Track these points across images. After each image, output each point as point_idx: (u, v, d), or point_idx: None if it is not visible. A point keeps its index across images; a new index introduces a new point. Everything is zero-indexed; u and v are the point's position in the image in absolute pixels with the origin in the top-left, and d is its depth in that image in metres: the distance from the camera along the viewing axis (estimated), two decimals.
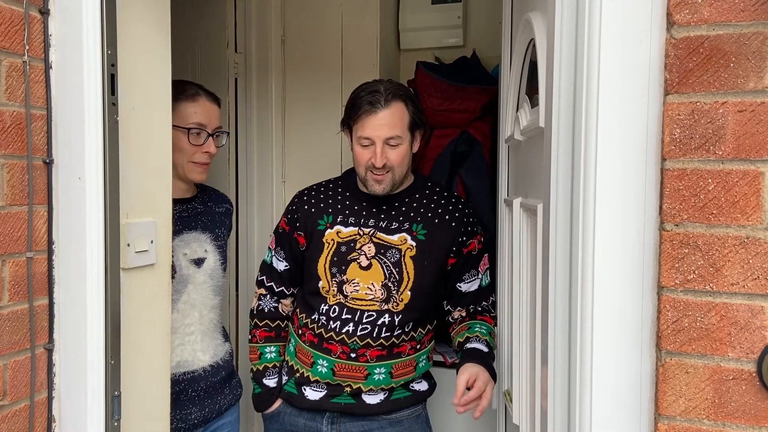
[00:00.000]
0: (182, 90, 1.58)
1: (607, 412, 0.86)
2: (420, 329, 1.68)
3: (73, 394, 1.16)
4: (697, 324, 0.80)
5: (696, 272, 0.80)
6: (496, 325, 1.74)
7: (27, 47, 1.06)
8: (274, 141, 2.37)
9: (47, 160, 1.11)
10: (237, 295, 2.38)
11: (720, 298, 0.79)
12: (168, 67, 1.34)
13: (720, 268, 0.79)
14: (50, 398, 1.14)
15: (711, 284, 0.80)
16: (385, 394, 1.66)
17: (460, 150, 2.06)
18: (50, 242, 1.13)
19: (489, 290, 1.76)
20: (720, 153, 0.79)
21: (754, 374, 0.77)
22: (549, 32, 1.06)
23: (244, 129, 2.38)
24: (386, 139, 1.57)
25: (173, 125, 1.46)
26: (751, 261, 0.77)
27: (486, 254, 1.75)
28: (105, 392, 1.17)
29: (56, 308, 1.14)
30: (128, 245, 1.24)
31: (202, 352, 1.70)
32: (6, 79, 1.03)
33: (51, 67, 1.11)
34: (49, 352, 1.13)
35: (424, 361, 1.73)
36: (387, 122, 1.57)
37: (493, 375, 1.58)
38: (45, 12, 1.10)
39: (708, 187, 0.79)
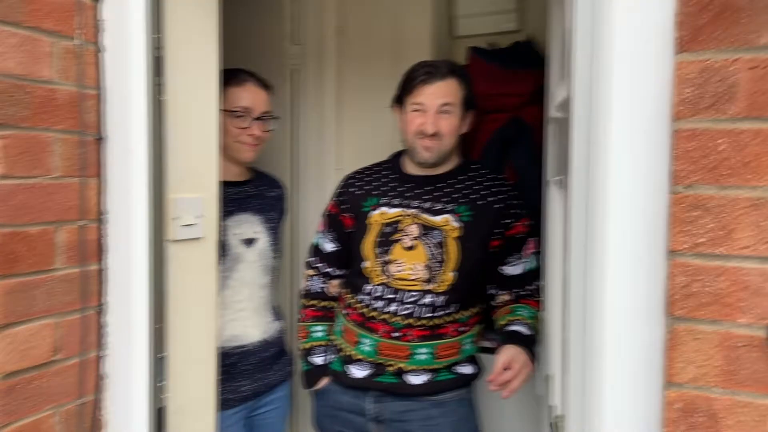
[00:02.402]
0: (233, 76, 1.66)
1: (617, 380, 0.84)
2: (464, 311, 1.68)
3: (122, 355, 1.25)
4: (707, 289, 0.77)
5: (706, 235, 0.77)
6: (542, 309, 1.71)
7: (80, 31, 1.15)
8: (329, 130, 2.43)
9: (98, 137, 1.20)
10: (293, 278, 2.46)
11: (731, 262, 0.76)
12: (215, 52, 1.41)
13: (731, 231, 0.76)
14: (100, 357, 1.23)
15: (722, 248, 0.76)
16: (429, 375, 1.67)
17: (509, 134, 2.04)
18: (101, 212, 1.22)
19: (535, 274, 1.73)
20: (732, 112, 0.76)
21: (765, 340, 0.74)
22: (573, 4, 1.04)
23: (301, 119, 2.46)
24: (439, 105, 1.61)
25: (222, 109, 1.55)
26: (763, 223, 0.74)
27: (533, 238, 1.73)
28: (149, 354, 1.26)
29: (106, 274, 1.24)
30: (175, 219, 1.32)
31: (253, 328, 1.77)
32: (61, 60, 1.13)
33: (103, 50, 1.21)
34: (99, 314, 1.23)
35: (469, 344, 1.73)
36: (441, 91, 1.61)
37: (534, 358, 1.56)
38: None
39: (719, 148, 0.76)
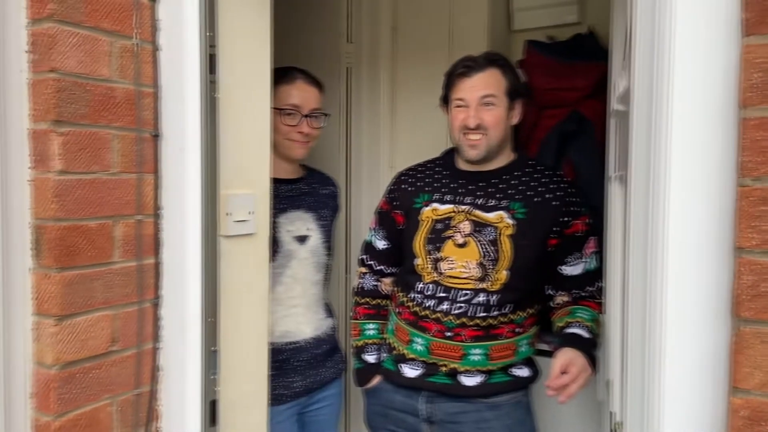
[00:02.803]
0: (284, 74, 1.68)
1: (678, 385, 0.79)
2: (519, 312, 1.64)
3: (177, 347, 1.28)
4: None
5: None
6: (602, 312, 1.64)
7: (137, 30, 1.18)
8: (383, 128, 2.43)
9: (154, 134, 1.23)
10: (347, 275, 2.46)
11: None
12: (267, 50, 1.42)
13: None
14: (156, 348, 1.26)
15: None
16: (483, 376, 1.63)
17: (568, 129, 1.97)
18: (157, 207, 1.25)
19: (595, 275, 1.67)
20: None
21: None
22: None
23: (355, 117, 2.46)
24: (480, 97, 1.58)
25: (272, 107, 1.56)
26: None
27: (593, 237, 1.66)
28: (202, 347, 1.28)
29: (163, 267, 1.27)
30: (227, 214, 1.34)
31: (305, 325, 1.78)
32: (119, 59, 1.16)
33: (159, 48, 1.23)
34: (155, 306, 1.26)
35: (525, 346, 1.68)
36: (480, 83, 1.59)
37: (594, 363, 1.50)
38: None
39: None
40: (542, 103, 1.97)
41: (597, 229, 1.68)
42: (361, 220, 2.42)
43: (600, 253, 1.68)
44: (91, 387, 1.15)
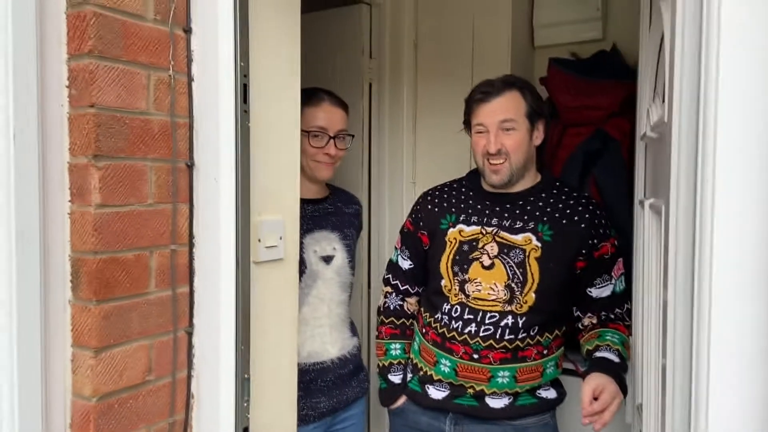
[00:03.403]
0: (310, 96, 1.68)
1: (724, 428, 0.78)
2: (547, 334, 1.63)
3: (209, 375, 1.28)
4: None
5: None
6: (630, 334, 1.64)
7: (172, 63, 1.19)
8: (405, 144, 2.43)
9: (189, 164, 1.24)
10: (369, 293, 2.46)
11: None
12: (297, 77, 1.43)
13: None
14: (189, 377, 1.27)
15: None
16: (509, 398, 1.63)
17: (593, 148, 1.96)
18: (191, 236, 1.26)
19: (624, 297, 1.66)
20: None
21: None
22: (672, 20, 0.99)
23: (377, 132, 2.46)
24: (500, 122, 1.58)
25: None
26: None
27: (620, 259, 1.66)
28: (235, 375, 1.28)
29: (196, 296, 1.27)
30: (259, 240, 1.34)
31: (331, 345, 1.78)
32: (154, 91, 1.17)
33: (193, 79, 1.24)
34: (189, 335, 1.26)
35: (552, 368, 1.68)
36: (499, 107, 1.58)
37: (624, 388, 1.49)
38: (188, 30, 1.23)
39: None
40: (566, 121, 1.97)
41: (624, 250, 1.68)
42: (383, 237, 2.42)
43: (626, 274, 1.67)
44: (128, 417, 1.15)
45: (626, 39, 2.12)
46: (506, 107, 1.58)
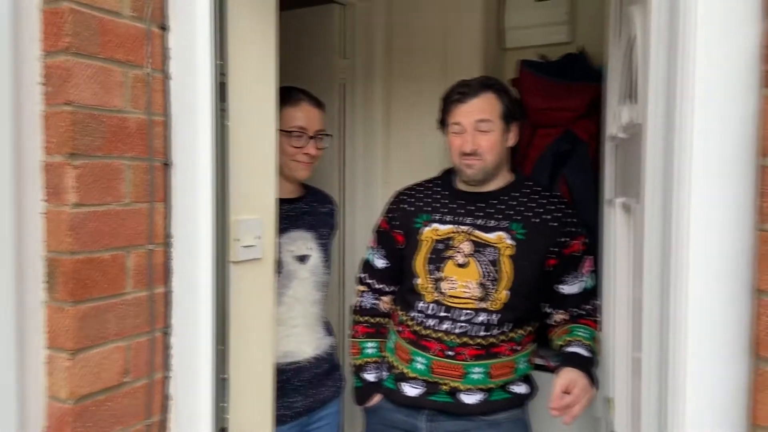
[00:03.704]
0: (287, 96, 1.68)
1: (700, 422, 0.82)
2: (519, 330, 1.66)
3: (187, 376, 1.27)
4: None
5: None
6: (600, 329, 1.68)
7: (149, 60, 1.18)
8: (378, 143, 2.44)
9: (166, 162, 1.23)
10: (342, 292, 2.47)
11: None
12: (274, 76, 1.43)
13: None
14: (166, 378, 1.25)
15: None
16: (483, 394, 1.65)
17: (562, 149, 2.01)
18: (168, 236, 1.25)
19: (592, 293, 1.71)
20: None
21: None
22: (646, 25, 1.02)
23: (350, 132, 2.47)
24: (476, 122, 1.61)
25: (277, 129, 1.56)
26: None
27: (590, 256, 1.70)
28: (213, 376, 1.27)
29: (173, 296, 1.26)
30: (236, 240, 1.34)
31: (306, 344, 1.78)
32: (131, 89, 1.16)
33: (170, 77, 1.23)
34: (166, 336, 1.25)
35: (523, 364, 1.71)
36: (476, 108, 1.62)
37: (594, 382, 1.53)
38: (165, 27, 1.21)
39: None
40: (536, 122, 2.01)
41: (592, 248, 1.72)
42: (356, 236, 2.43)
43: (595, 271, 1.72)
44: (105, 419, 1.14)
45: (593, 42, 2.18)
46: (482, 108, 1.61)
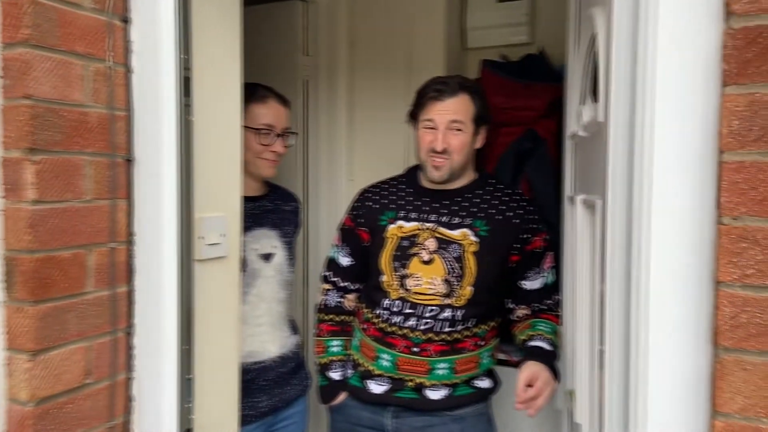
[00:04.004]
0: (253, 92, 1.66)
1: (663, 408, 0.85)
2: (482, 325, 1.69)
3: (150, 376, 1.25)
4: (756, 320, 0.78)
5: (755, 267, 0.78)
6: (561, 324, 1.72)
7: (110, 53, 1.15)
8: (341, 141, 2.43)
9: (128, 158, 1.20)
10: (306, 290, 2.46)
11: None
12: (239, 71, 1.41)
13: None
14: (129, 379, 1.23)
15: None
16: (448, 389, 1.67)
17: (524, 148, 2.05)
18: (131, 234, 1.22)
19: (553, 288, 1.74)
20: None
21: None
22: (608, 26, 1.05)
23: (313, 130, 2.46)
24: (449, 122, 1.62)
25: (244, 126, 1.54)
26: None
27: (550, 252, 1.74)
28: (178, 376, 1.25)
29: (136, 295, 1.23)
30: (201, 238, 1.32)
31: (271, 343, 1.77)
32: (92, 83, 1.13)
33: (132, 71, 1.20)
34: (129, 336, 1.23)
35: (487, 358, 1.74)
36: (452, 108, 1.62)
37: (556, 375, 1.57)
38: (126, 20, 1.19)
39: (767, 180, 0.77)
40: (498, 121, 2.04)
41: (553, 244, 1.76)
42: (320, 234, 2.42)
43: (555, 267, 1.76)
44: (67, 422, 1.11)
45: (552, 43, 2.22)
46: (457, 109, 1.62)
